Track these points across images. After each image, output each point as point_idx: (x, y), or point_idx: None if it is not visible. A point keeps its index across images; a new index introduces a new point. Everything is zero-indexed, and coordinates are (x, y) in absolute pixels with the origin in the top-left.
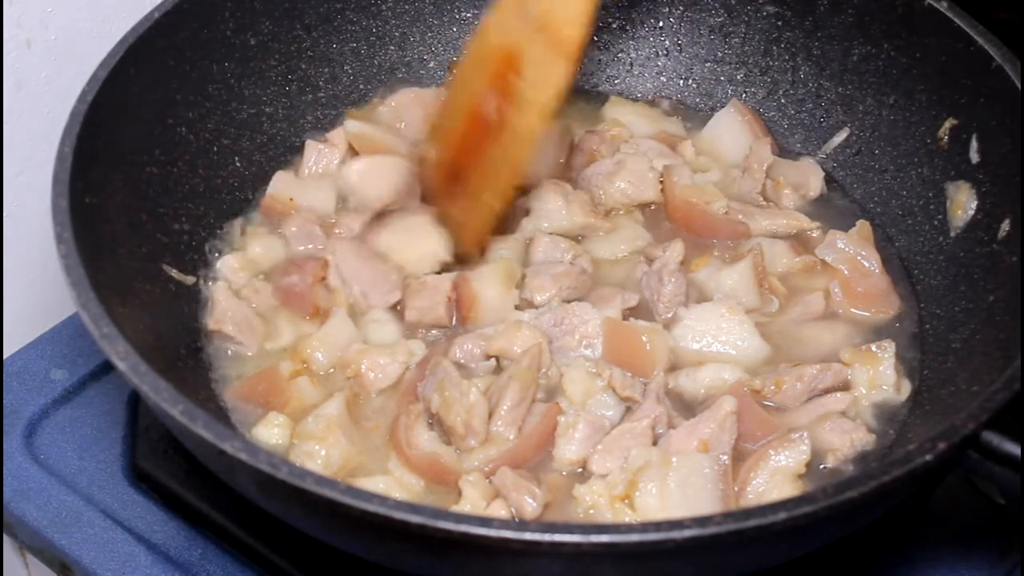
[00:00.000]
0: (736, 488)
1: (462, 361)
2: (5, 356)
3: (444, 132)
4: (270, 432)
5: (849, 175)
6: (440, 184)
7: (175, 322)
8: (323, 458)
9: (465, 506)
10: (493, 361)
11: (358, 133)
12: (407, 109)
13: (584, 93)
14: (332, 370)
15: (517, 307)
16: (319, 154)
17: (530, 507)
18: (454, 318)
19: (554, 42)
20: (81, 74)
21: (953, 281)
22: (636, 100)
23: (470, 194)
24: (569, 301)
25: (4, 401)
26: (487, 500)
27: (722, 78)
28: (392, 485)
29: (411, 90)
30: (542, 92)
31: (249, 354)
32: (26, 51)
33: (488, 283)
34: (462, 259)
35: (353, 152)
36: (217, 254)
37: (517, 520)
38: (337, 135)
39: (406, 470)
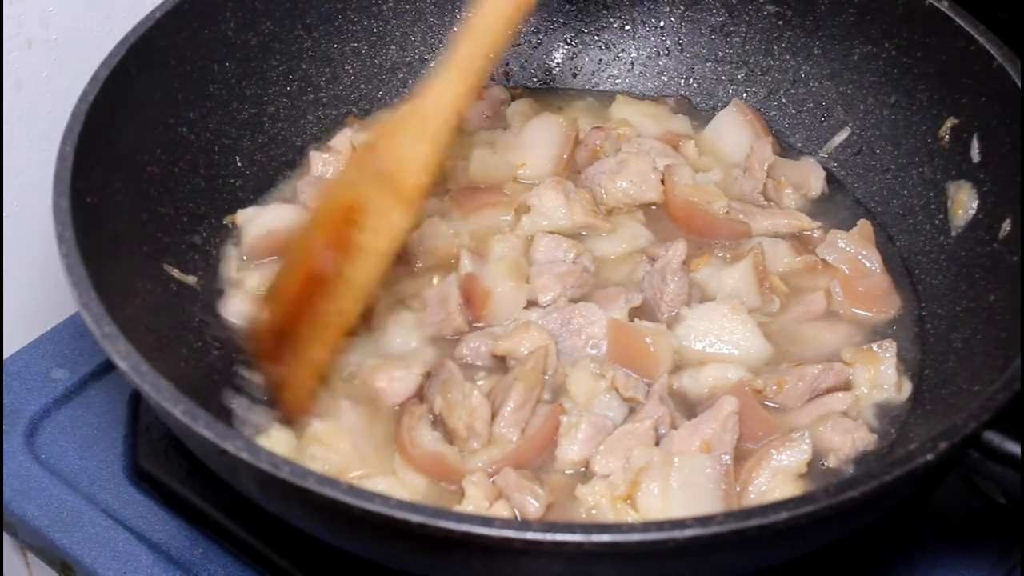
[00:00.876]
0: (738, 488)
1: (468, 359)
2: (6, 355)
3: (279, 294)
4: (273, 444)
5: (850, 175)
6: (268, 345)
7: (176, 322)
8: (327, 461)
9: (468, 506)
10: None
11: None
12: None
13: (587, 91)
14: (345, 383)
15: (523, 307)
16: (324, 163)
17: (533, 508)
18: (469, 319)
19: (398, 190)
20: (82, 74)
21: (954, 281)
22: (642, 98)
23: (297, 352)
24: (574, 300)
25: (5, 401)
26: (490, 501)
27: (723, 77)
28: (395, 486)
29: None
30: (381, 239)
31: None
32: (27, 51)
33: (499, 279)
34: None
35: None
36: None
37: (519, 520)
38: (339, 141)
39: (410, 470)
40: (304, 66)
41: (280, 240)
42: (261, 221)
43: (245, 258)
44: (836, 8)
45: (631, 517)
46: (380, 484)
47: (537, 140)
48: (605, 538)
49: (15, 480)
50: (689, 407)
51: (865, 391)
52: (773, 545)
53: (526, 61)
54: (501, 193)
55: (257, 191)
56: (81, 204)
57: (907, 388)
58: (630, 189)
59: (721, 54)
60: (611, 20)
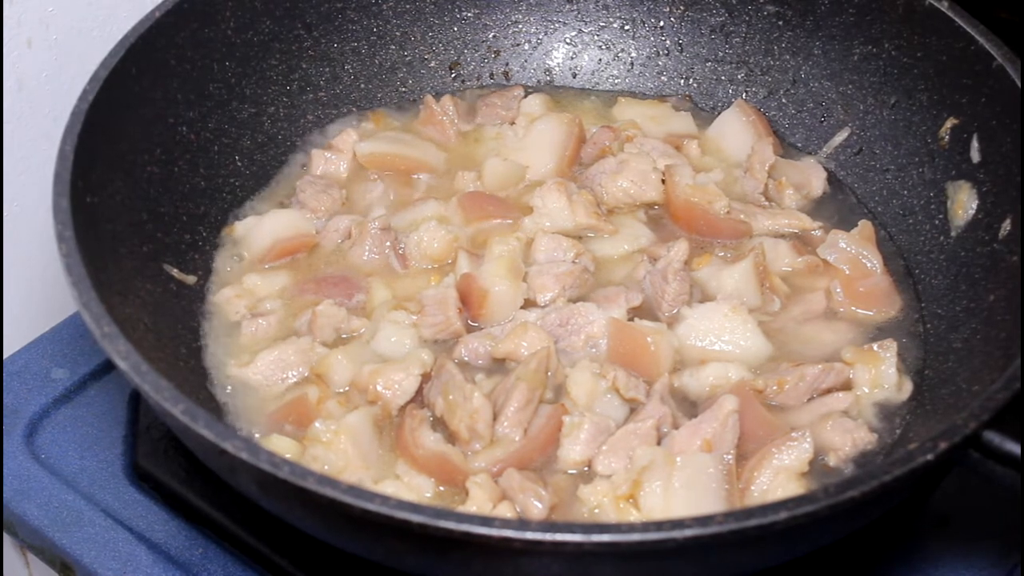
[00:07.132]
0: (740, 487)
1: (467, 360)
2: (6, 355)
3: None
4: (274, 444)
5: (850, 175)
6: None
7: (176, 321)
8: (328, 462)
9: (472, 507)
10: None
11: (369, 152)
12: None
13: (588, 91)
14: (347, 388)
15: (521, 307)
16: (327, 162)
17: (536, 509)
18: (467, 319)
19: None
20: (82, 73)
21: (954, 281)
22: (643, 98)
23: None
24: (573, 300)
25: (5, 400)
26: (494, 502)
27: (723, 78)
28: (401, 489)
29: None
30: None
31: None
32: (27, 51)
33: (496, 278)
34: None
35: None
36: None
37: (519, 520)
38: (342, 141)
39: (415, 472)
40: (304, 66)
41: (288, 245)
42: (264, 230)
43: (253, 263)
44: (836, 8)
45: (634, 517)
46: (388, 488)
47: (542, 141)
48: (605, 538)
49: (15, 480)
50: (690, 406)
51: (865, 391)
52: (773, 545)
53: (526, 61)
54: (508, 207)
55: (256, 191)
56: (81, 204)
57: (907, 388)
58: (630, 189)
59: (721, 54)
60: (611, 20)
